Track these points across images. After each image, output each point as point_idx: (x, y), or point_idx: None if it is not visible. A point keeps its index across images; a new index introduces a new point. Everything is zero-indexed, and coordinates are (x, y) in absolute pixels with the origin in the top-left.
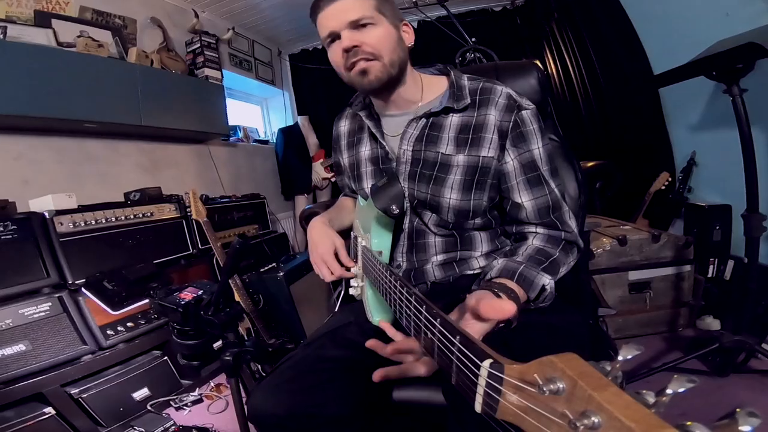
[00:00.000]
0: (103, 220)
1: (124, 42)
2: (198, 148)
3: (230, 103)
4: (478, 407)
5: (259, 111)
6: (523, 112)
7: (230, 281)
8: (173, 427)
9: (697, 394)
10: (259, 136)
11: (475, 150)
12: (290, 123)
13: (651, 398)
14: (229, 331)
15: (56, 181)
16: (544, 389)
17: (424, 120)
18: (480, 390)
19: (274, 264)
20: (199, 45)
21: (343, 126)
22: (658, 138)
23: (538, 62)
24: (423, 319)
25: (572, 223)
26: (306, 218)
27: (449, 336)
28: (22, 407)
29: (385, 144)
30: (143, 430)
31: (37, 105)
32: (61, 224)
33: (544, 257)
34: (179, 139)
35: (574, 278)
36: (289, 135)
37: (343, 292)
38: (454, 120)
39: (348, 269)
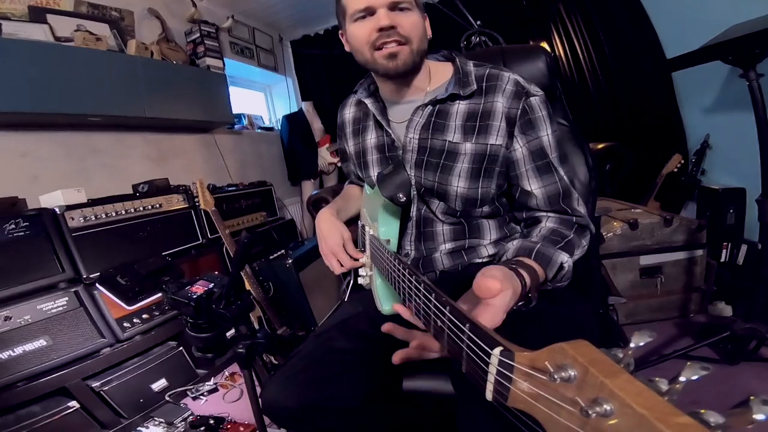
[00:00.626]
0: (113, 214)
1: (122, 34)
2: (204, 137)
3: (233, 91)
4: (489, 395)
5: (262, 98)
6: (532, 98)
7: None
8: (191, 417)
9: (707, 382)
10: (264, 123)
11: (483, 138)
12: (294, 109)
13: (664, 386)
14: (241, 323)
15: (64, 176)
16: (555, 376)
17: (430, 107)
18: (491, 378)
19: (282, 251)
20: (198, 35)
21: (348, 113)
22: (670, 120)
23: (545, 44)
24: (432, 307)
25: (582, 209)
26: (313, 203)
27: (459, 324)
28: (48, 401)
29: (390, 132)
30: (163, 420)
31: (39, 101)
32: (72, 219)
33: (560, 237)
34: (184, 128)
35: (584, 264)
36: (294, 121)
37: (352, 282)
38: (460, 107)
39: (357, 260)
